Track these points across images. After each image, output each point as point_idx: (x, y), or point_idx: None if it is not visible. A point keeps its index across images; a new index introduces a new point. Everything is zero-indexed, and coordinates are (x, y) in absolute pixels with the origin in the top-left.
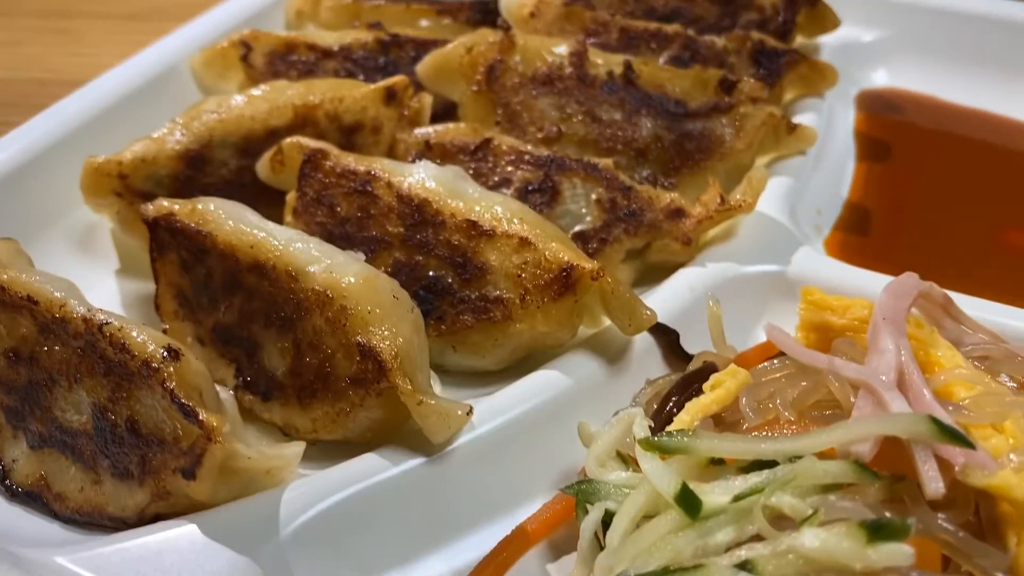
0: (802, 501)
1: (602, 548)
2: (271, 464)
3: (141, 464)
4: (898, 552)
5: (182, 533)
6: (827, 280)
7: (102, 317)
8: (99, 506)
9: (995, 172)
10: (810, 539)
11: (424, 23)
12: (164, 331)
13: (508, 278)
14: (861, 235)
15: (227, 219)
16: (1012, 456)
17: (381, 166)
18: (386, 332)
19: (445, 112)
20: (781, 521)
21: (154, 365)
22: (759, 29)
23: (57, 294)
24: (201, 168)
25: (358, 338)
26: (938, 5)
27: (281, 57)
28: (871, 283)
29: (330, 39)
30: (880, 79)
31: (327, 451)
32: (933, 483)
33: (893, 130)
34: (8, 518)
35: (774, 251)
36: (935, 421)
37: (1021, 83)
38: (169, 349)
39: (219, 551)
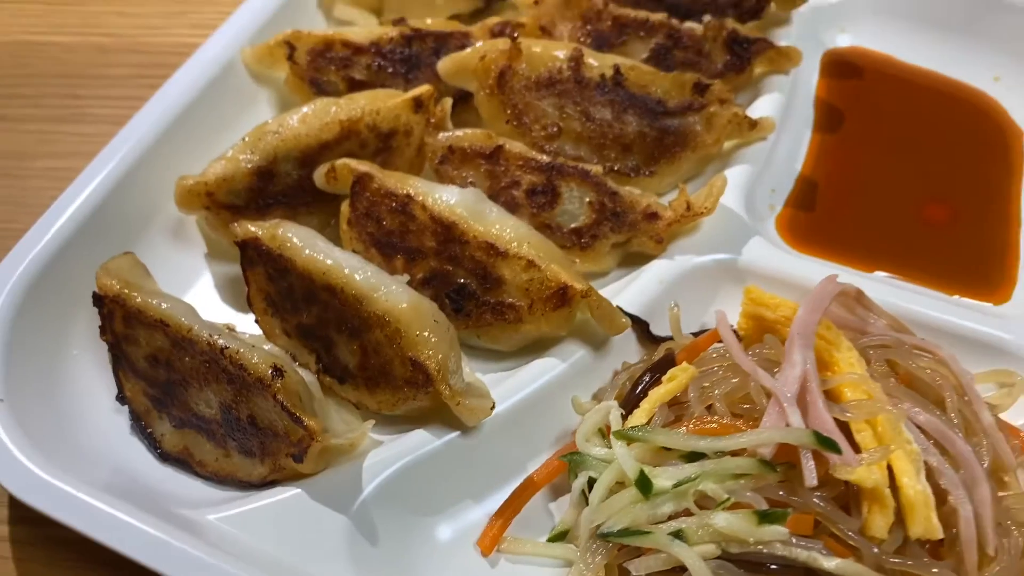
0: (721, 487)
1: (586, 503)
2: (353, 442)
3: (261, 447)
4: (777, 531)
5: (294, 495)
6: (769, 268)
7: (222, 342)
8: (231, 473)
9: (932, 141)
10: (721, 520)
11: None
12: (256, 322)
13: (518, 290)
14: (807, 211)
15: (303, 246)
16: (864, 455)
17: (415, 189)
18: (431, 351)
19: (461, 98)
20: (706, 500)
21: (265, 382)
22: (735, 8)
23: (184, 320)
24: (270, 180)
25: (409, 354)
26: None
27: (321, 54)
28: (807, 269)
29: (362, 36)
30: (845, 40)
31: (388, 419)
32: (810, 477)
33: (850, 97)
34: (162, 487)
35: (729, 241)
36: (816, 434)
37: (976, 46)
38: (275, 368)
39: (321, 509)
